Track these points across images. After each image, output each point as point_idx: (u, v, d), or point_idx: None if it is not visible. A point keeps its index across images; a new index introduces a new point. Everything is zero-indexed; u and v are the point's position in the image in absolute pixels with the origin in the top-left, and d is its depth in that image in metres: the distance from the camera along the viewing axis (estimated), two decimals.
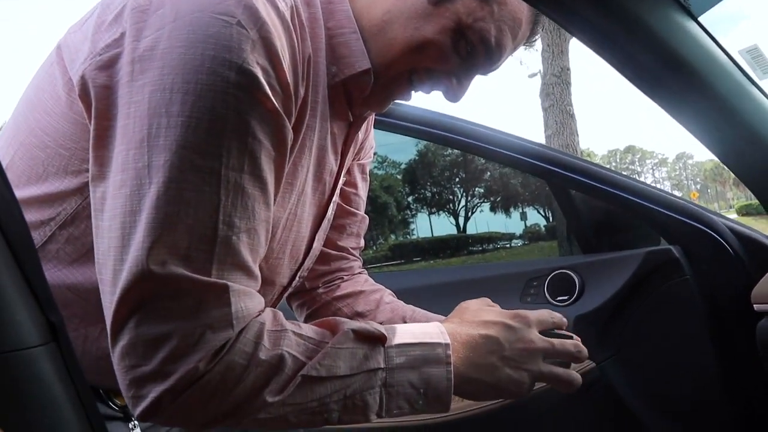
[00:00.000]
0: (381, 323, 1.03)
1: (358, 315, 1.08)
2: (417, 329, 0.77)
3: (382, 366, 0.72)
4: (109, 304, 0.62)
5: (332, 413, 0.70)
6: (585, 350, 0.83)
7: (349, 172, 1.08)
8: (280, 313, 0.71)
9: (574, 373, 0.83)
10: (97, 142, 0.66)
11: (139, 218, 0.61)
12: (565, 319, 0.86)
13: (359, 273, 1.17)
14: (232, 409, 0.64)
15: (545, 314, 0.84)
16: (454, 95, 0.87)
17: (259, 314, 0.68)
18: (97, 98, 0.66)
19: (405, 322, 1.03)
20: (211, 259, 0.63)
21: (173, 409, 0.62)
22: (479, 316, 0.82)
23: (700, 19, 0.86)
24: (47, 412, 0.46)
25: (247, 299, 0.66)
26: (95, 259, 0.66)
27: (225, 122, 0.63)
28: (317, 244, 0.96)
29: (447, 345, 0.75)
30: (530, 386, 0.80)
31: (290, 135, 0.70)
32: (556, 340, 0.82)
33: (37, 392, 0.46)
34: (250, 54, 0.64)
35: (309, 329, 0.71)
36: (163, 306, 0.61)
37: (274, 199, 0.74)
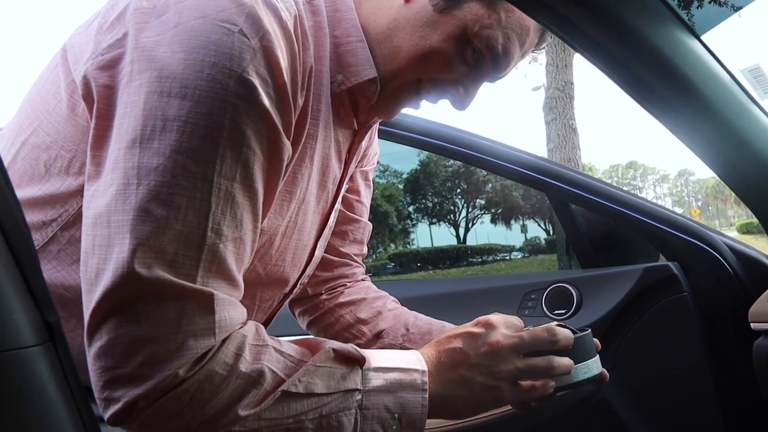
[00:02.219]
0: (383, 330, 1.03)
1: (361, 322, 1.07)
2: (396, 355, 0.77)
3: (359, 387, 0.71)
4: (88, 302, 0.62)
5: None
6: (563, 333, 0.79)
7: (351, 178, 1.08)
8: (263, 328, 0.71)
9: (554, 357, 0.78)
10: (95, 142, 0.66)
11: (126, 219, 0.61)
12: (569, 335, 0.80)
13: (362, 280, 1.17)
14: (207, 420, 0.63)
15: (539, 332, 0.80)
16: (461, 104, 0.87)
17: (242, 326, 0.68)
18: (99, 98, 0.66)
19: (408, 330, 1.03)
20: (197, 265, 0.62)
21: (146, 416, 0.61)
22: (449, 333, 0.81)
23: (703, 37, 0.87)
24: (42, 412, 0.46)
25: (231, 309, 0.65)
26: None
27: (221, 130, 0.63)
28: (319, 252, 0.96)
29: (424, 372, 0.75)
30: (513, 389, 0.77)
31: (285, 147, 0.70)
32: (525, 332, 0.79)
33: (33, 392, 0.46)
34: (251, 63, 0.64)
35: (290, 347, 0.71)
36: (145, 309, 0.60)
37: (267, 209, 0.74)
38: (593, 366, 0.83)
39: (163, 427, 0.63)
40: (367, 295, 1.11)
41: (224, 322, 0.64)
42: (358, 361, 0.73)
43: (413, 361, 0.76)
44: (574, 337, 0.80)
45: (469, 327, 0.80)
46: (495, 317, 0.80)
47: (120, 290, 0.60)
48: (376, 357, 0.75)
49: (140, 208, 0.61)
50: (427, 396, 0.74)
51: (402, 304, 1.14)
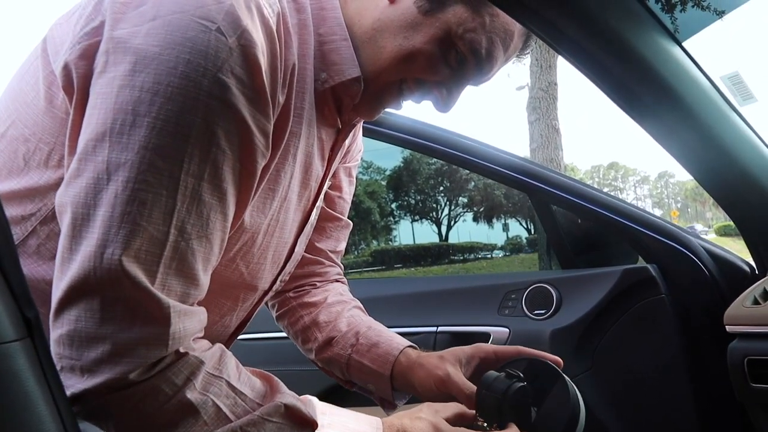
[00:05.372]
0: (334, 338, 1.03)
1: (316, 325, 1.07)
2: (353, 423, 0.77)
3: None
4: (56, 289, 0.62)
5: None
6: None
7: (335, 175, 1.08)
8: (228, 355, 0.71)
9: None
10: (73, 133, 0.66)
11: (95, 213, 0.61)
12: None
13: (335, 280, 1.16)
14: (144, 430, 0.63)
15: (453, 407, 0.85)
16: (443, 105, 0.87)
17: (207, 350, 0.68)
18: (78, 88, 0.66)
19: (358, 340, 1.03)
20: (158, 261, 0.62)
21: (92, 407, 0.62)
22: (416, 413, 0.83)
23: (684, 44, 0.88)
24: (20, 407, 0.46)
25: (187, 320, 0.65)
26: None
27: (191, 129, 0.63)
28: (299, 249, 0.96)
29: None
30: None
31: (259, 148, 0.70)
32: None
33: (11, 387, 0.46)
34: (226, 62, 0.63)
35: (247, 382, 0.70)
36: (104, 307, 0.60)
37: (243, 208, 0.74)
38: None
39: (106, 420, 0.63)
40: (329, 298, 1.10)
41: (178, 334, 0.64)
42: (310, 425, 0.72)
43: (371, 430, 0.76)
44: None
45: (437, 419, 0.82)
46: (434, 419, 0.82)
47: (85, 283, 0.60)
48: (334, 422, 0.75)
49: (109, 204, 0.61)
50: None
51: (384, 303, 1.14)
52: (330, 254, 1.14)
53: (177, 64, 0.62)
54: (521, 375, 0.85)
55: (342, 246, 1.16)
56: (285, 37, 0.73)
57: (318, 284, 1.13)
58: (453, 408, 0.86)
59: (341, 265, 1.18)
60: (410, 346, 1.02)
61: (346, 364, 1.03)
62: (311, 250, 1.11)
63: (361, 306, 1.13)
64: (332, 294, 1.12)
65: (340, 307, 1.09)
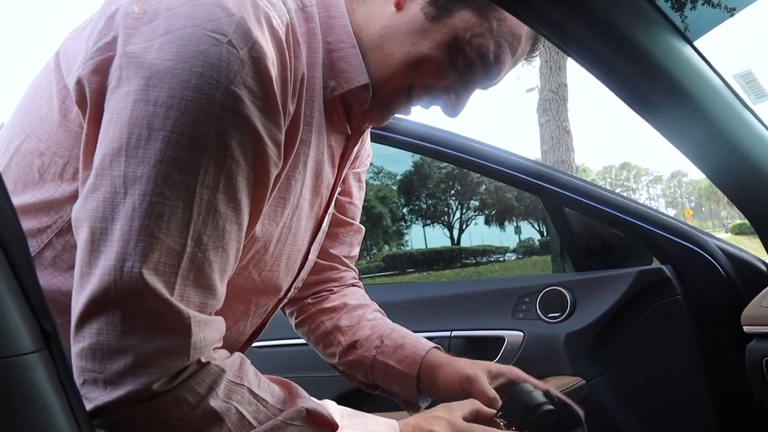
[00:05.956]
0: (358, 341, 1.04)
1: (339, 330, 1.08)
2: (373, 425, 0.78)
3: None
4: (75, 302, 0.63)
5: None
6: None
7: (344, 181, 1.08)
8: (248, 363, 0.71)
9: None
10: (87, 147, 0.67)
11: (112, 227, 0.62)
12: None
13: (351, 285, 1.16)
14: None
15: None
16: (452, 110, 0.87)
17: (227, 358, 0.69)
18: (92, 103, 0.66)
19: (382, 342, 1.03)
20: (176, 273, 0.63)
21: (115, 420, 0.62)
22: (431, 413, 0.84)
23: (695, 43, 0.88)
24: (38, 419, 0.46)
25: (207, 329, 0.66)
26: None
27: (205, 141, 0.63)
28: (312, 255, 0.96)
29: None
30: None
31: (272, 158, 0.70)
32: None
33: (29, 399, 0.46)
34: (238, 75, 0.64)
35: (267, 389, 0.71)
36: (125, 319, 0.61)
37: (257, 217, 0.74)
38: None
39: None
40: (349, 302, 1.11)
41: (199, 344, 0.64)
42: (331, 427, 0.73)
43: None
44: None
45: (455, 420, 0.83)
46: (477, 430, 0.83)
47: (105, 296, 0.61)
48: (353, 424, 0.76)
49: (126, 217, 0.61)
50: None
51: (397, 308, 1.14)
52: (344, 259, 1.14)
53: (190, 78, 0.62)
54: (555, 400, 0.90)
55: (356, 251, 1.17)
56: (294, 47, 0.73)
57: (335, 289, 1.13)
58: (469, 405, 0.86)
59: (356, 270, 1.19)
60: (436, 347, 1.03)
61: (371, 366, 1.04)
62: (326, 257, 1.11)
63: (381, 309, 1.14)
64: (351, 298, 1.12)
65: (362, 310, 1.10)
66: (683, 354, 1.41)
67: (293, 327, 1.16)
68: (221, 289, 0.69)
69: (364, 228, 1.17)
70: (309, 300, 1.12)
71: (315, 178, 0.86)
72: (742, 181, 1.10)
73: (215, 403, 0.65)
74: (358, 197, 1.13)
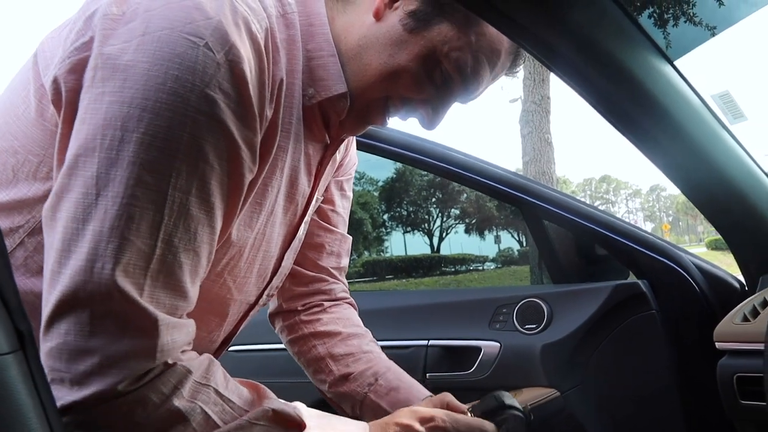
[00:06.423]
0: (351, 374, 1.04)
1: (332, 357, 1.07)
2: (343, 425, 0.79)
3: None
4: (45, 302, 0.63)
5: None
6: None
7: (326, 189, 1.08)
8: (216, 366, 0.71)
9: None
10: (61, 146, 0.66)
11: (84, 228, 0.61)
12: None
13: (341, 298, 1.15)
14: None
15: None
16: (429, 123, 0.87)
17: (194, 359, 0.68)
18: (67, 102, 0.66)
19: (376, 380, 1.03)
20: (145, 275, 0.63)
21: (82, 419, 0.62)
22: (396, 418, 0.85)
23: (676, 62, 0.89)
24: (11, 420, 0.46)
25: (176, 332, 0.66)
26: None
27: (179, 144, 0.63)
28: (286, 263, 0.95)
29: None
30: None
31: (246, 162, 0.70)
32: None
33: (3, 399, 0.45)
34: (214, 78, 0.64)
35: (235, 390, 0.71)
36: (93, 320, 0.61)
37: (230, 222, 0.74)
38: None
39: (96, 430, 0.63)
40: (345, 329, 1.10)
41: (167, 346, 0.64)
42: (297, 426, 0.73)
43: None
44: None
45: (413, 420, 0.84)
46: (439, 414, 0.85)
47: (74, 297, 0.61)
48: (316, 424, 0.76)
49: (98, 218, 0.61)
50: None
51: (375, 316, 1.14)
52: (332, 271, 1.13)
53: (165, 80, 0.62)
54: (528, 415, 0.94)
55: (345, 262, 1.15)
56: (273, 53, 0.73)
57: (326, 304, 1.12)
58: (436, 401, 0.92)
59: (345, 282, 1.17)
60: (430, 395, 1.02)
61: (361, 402, 1.03)
62: (313, 268, 1.10)
63: (373, 339, 1.13)
64: (346, 324, 1.11)
65: (357, 341, 1.09)
66: (657, 368, 1.43)
67: (284, 343, 1.15)
68: (193, 291, 0.69)
69: (350, 237, 1.16)
70: (301, 317, 1.11)
71: (290, 185, 0.86)
72: (718, 199, 1.12)
73: (180, 402, 0.65)
74: (342, 205, 1.12)
